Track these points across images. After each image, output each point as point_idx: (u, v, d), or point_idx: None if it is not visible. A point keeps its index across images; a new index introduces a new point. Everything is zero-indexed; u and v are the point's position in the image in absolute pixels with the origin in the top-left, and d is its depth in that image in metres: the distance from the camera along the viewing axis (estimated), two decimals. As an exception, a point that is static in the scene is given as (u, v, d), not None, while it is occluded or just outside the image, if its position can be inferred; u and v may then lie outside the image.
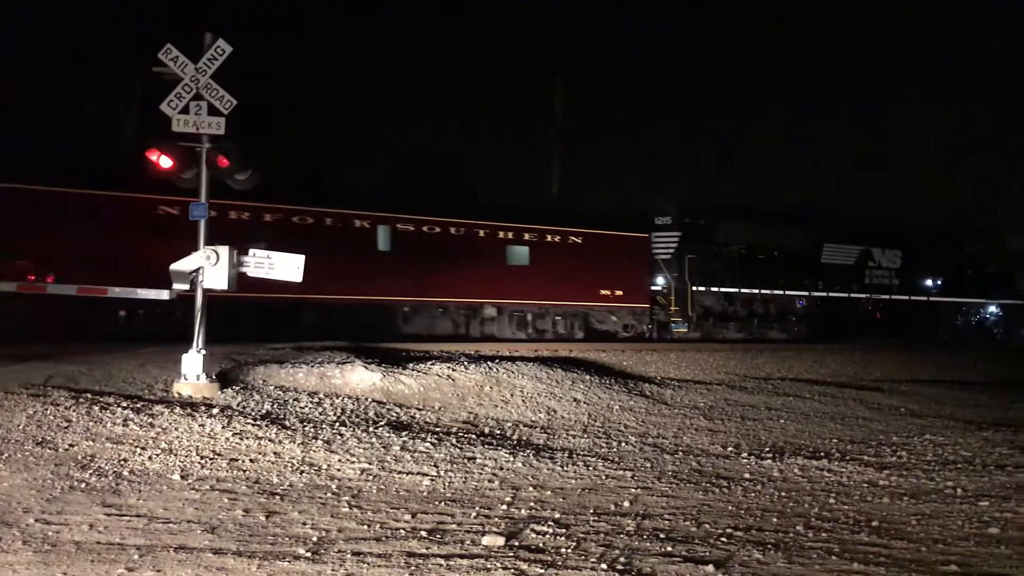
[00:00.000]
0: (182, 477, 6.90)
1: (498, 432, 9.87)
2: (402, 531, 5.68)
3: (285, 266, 10.62)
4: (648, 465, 8.31)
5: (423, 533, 5.63)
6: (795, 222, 28.63)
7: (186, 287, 10.48)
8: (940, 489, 7.53)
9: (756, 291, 26.25)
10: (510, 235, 22.45)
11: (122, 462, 7.20)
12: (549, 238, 23.04)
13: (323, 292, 18.64)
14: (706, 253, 25.21)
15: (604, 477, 7.70)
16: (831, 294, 27.77)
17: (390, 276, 20.27)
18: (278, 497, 6.48)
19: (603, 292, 23.55)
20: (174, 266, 10.38)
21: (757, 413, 12.15)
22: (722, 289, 25.48)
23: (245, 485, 6.80)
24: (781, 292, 26.79)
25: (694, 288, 24.76)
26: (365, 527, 5.77)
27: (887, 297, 29.34)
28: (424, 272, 20.49)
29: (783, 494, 7.21)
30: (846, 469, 8.29)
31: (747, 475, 7.98)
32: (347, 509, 6.22)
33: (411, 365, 12.63)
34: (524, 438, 9.62)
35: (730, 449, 9.40)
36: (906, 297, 29.66)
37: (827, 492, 7.32)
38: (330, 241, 19.50)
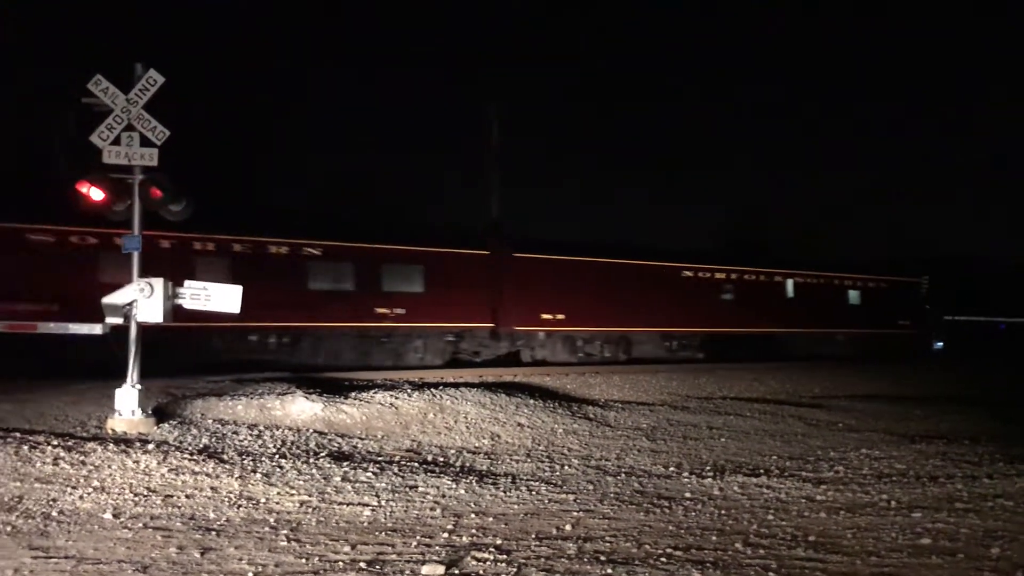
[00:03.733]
0: (114, 516, 6.72)
1: (441, 459, 9.81)
2: (341, 563, 5.61)
3: (223, 297, 10.46)
4: (591, 488, 8.33)
5: (362, 565, 5.56)
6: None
7: (119, 320, 10.26)
8: (875, 502, 7.68)
9: (976, 318, 36.63)
10: (848, 283, 32.41)
11: (51, 502, 7.00)
12: (871, 284, 33.05)
13: (756, 327, 29.09)
14: (947, 291, 35.43)
15: (547, 501, 7.69)
16: (1017, 319, 38.62)
17: (793, 314, 30.03)
18: (214, 533, 6.34)
19: (900, 323, 33.57)
20: (107, 299, 10.17)
21: (698, 432, 12.27)
22: (957, 318, 35.57)
23: (180, 522, 6.64)
24: (990, 319, 37.69)
25: (944, 317, 34.91)
26: (303, 560, 5.68)
27: None
28: (808, 311, 30.35)
29: (723, 512, 7.28)
30: (784, 485, 8.41)
31: (688, 494, 8.04)
32: (285, 543, 6.12)
33: (353, 394, 12.52)
34: (467, 464, 9.58)
35: (671, 469, 9.48)
36: None
37: (766, 509, 7.41)
38: (757, 290, 29.49)
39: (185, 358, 17.79)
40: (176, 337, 17.05)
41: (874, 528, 6.69)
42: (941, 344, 34.64)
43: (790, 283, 30.42)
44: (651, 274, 27.02)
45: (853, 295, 32.41)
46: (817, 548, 6.09)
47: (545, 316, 24.46)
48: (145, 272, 10.25)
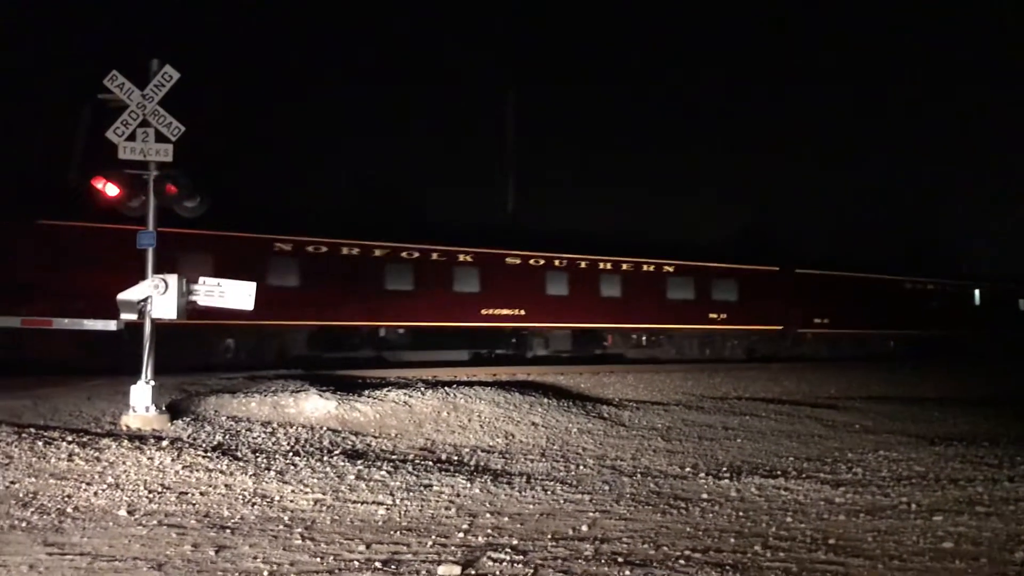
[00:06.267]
0: (129, 512, 6.70)
1: (455, 458, 9.76)
2: (356, 563, 5.56)
3: (236, 294, 10.43)
4: (606, 488, 8.26)
5: (377, 564, 5.51)
6: None
7: (134, 316, 10.25)
8: (895, 505, 7.58)
9: None
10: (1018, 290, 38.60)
11: (66, 499, 6.98)
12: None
13: (948, 330, 34.41)
14: None
15: (562, 501, 7.63)
16: None
17: (977, 319, 35.90)
18: (228, 531, 6.31)
19: None
20: (121, 295, 10.16)
21: (714, 433, 12.18)
22: None
23: (194, 519, 6.62)
24: None
25: None
26: (318, 559, 5.64)
27: None
28: (993, 317, 36.36)
29: (740, 514, 7.20)
30: (803, 487, 8.32)
31: (705, 496, 7.97)
32: (300, 541, 6.08)
33: (367, 392, 12.48)
34: (482, 463, 9.53)
35: (688, 470, 9.39)
36: None
37: (784, 511, 7.33)
38: (941, 301, 34.86)
39: (586, 350, 25.34)
40: (583, 333, 25.19)
41: (895, 531, 6.60)
42: None
43: (977, 292, 36.68)
44: (882, 286, 33.00)
45: (1022, 303, 38.60)
46: (837, 551, 6.00)
47: (816, 320, 30.59)
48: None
